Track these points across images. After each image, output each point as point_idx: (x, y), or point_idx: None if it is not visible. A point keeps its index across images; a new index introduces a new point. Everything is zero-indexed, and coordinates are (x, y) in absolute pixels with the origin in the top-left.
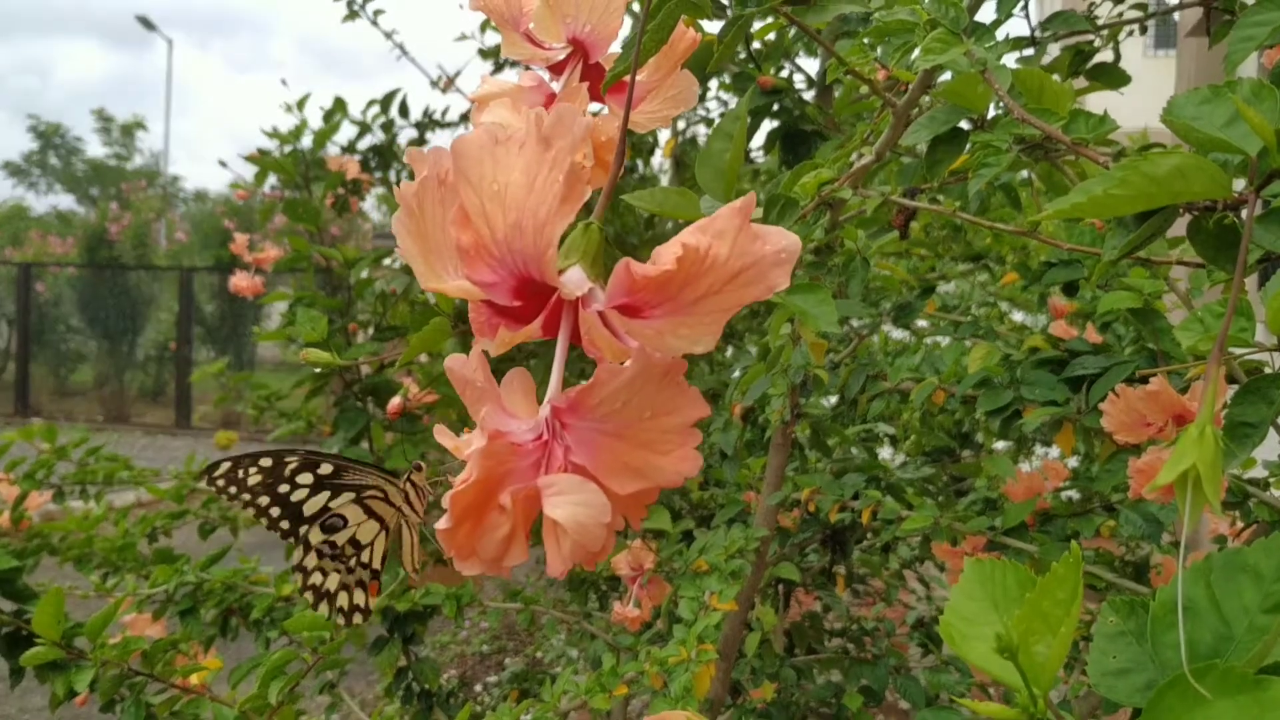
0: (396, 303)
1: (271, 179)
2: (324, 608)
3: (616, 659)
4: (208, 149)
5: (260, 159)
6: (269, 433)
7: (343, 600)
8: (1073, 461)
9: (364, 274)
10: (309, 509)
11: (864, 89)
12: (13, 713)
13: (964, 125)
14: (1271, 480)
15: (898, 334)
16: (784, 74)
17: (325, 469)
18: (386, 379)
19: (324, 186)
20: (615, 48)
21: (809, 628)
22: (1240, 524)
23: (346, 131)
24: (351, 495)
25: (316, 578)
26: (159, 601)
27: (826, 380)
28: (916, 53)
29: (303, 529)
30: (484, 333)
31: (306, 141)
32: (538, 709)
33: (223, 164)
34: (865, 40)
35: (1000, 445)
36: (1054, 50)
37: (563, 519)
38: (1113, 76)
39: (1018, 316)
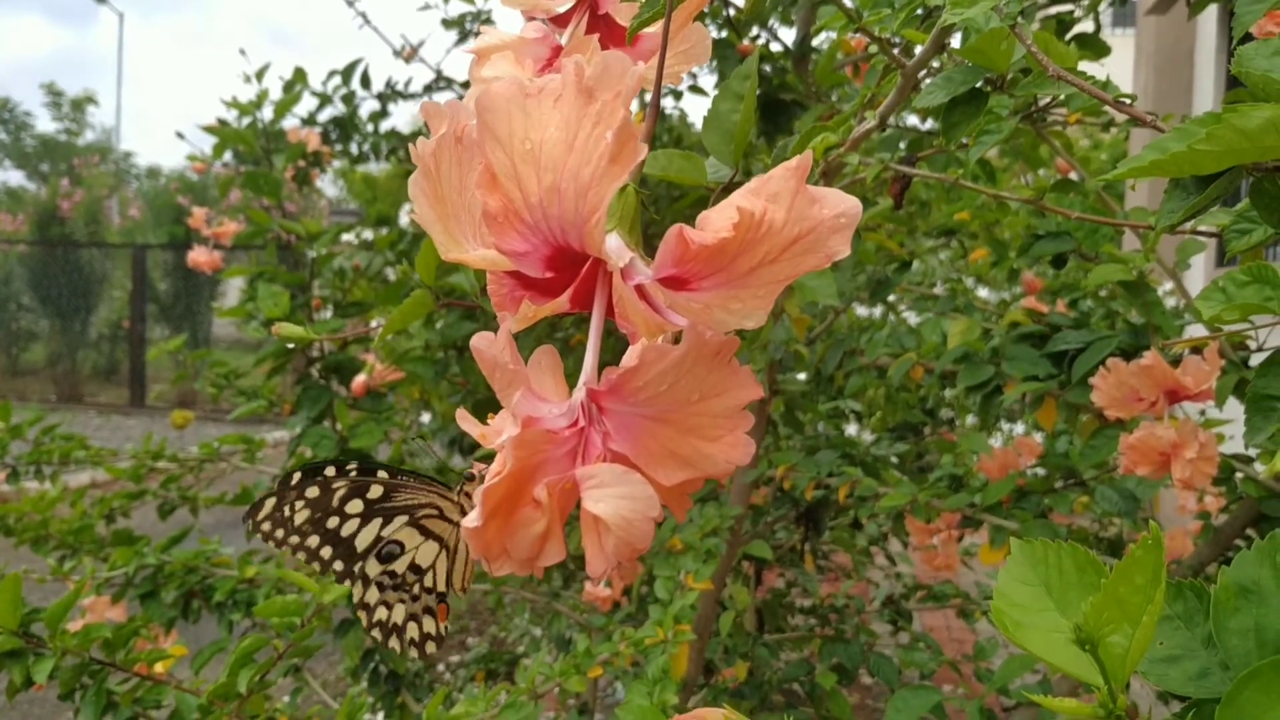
0: (357, 278)
1: (227, 155)
2: (394, 642)
3: (589, 640)
4: (158, 125)
5: (220, 130)
6: (227, 412)
7: (412, 631)
8: (1038, 436)
9: (325, 249)
10: (361, 542)
11: (842, 55)
12: None
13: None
14: (1259, 457)
15: (862, 310)
16: (760, 41)
17: (374, 492)
18: (349, 356)
19: (285, 159)
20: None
21: (778, 605)
22: (1225, 499)
23: (306, 104)
24: (405, 518)
25: (381, 612)
26: (118, 584)
27: (807, 356)
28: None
29: (358, 566)
30: (505, 306)
31: (266, 113)
32: (512, 692)
33: (180, 135)
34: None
35: (967, 420)
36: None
37: (606, 514)
38: (1094, 46)
39: (983, 293)
